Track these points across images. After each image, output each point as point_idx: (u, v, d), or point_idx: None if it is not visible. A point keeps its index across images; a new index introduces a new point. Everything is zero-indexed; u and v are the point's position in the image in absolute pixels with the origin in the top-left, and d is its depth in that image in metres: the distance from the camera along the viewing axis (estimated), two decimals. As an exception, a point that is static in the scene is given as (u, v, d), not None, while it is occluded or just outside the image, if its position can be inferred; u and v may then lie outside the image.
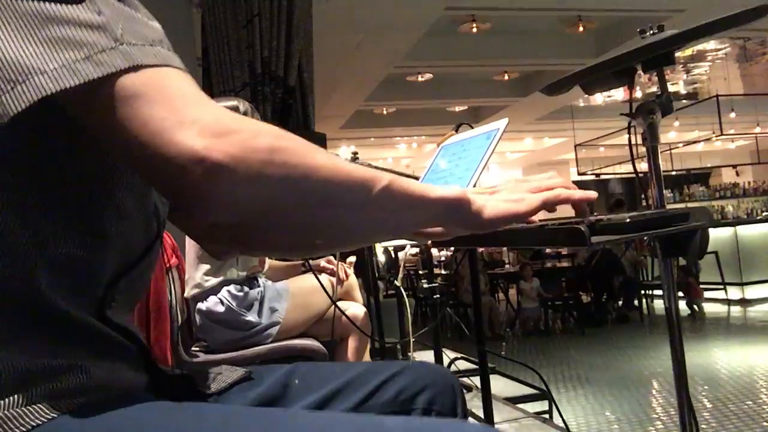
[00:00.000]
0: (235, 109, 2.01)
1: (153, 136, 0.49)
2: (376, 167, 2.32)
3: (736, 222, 8.58)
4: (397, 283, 2.16)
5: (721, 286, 7.73)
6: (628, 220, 0.78)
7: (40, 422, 0.53)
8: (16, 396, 0.53)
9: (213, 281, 1.95)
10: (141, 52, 0.51)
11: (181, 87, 0.52)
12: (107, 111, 0.50)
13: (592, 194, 0.73)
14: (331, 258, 2.20)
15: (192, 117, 0.50)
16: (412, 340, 2.05)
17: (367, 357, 2.22)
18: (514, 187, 0.73)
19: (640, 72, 1.09)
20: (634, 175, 1.21)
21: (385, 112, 10.54)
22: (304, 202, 0.54)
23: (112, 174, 0.60)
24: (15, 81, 0.48)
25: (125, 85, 0.50)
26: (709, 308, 7.33)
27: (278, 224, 0.55)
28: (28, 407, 0.53)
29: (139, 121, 0.49)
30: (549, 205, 0.71)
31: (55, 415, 0.54)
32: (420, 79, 8.49)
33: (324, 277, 2.12)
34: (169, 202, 0.70)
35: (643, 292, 7.47)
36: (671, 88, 9.97)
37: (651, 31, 1.04)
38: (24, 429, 0.52)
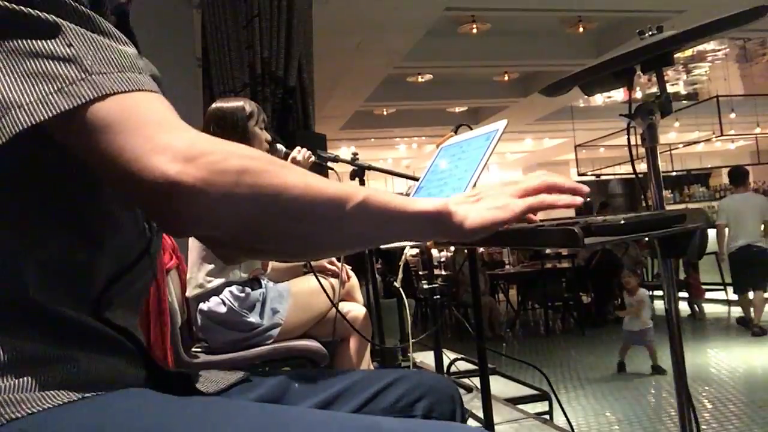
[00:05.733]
0: (242, 109, 2.02)
1: (128, 164, 0.51)
2: (377, 168, 2.33)
3: (737, 222, 8.55)
4: (397, 284, 2.15)
5: (721, 286, 7.72)
6: (622, 221, 0.78)
7: (34, 411, 0.53)
8: (11, 382, 0.54)
9: (216, 282, 1.94)
10: (110, 80, 0.53)
11: (153, 112, 0.54)
12: (84, 138, 0.52)
13: (578, 200, 0.71)
14: (334, 259, 2.20)
15: (164, 143, 0.52)
16: (412, 342, 2.05)
17: (367, 357, 2.22)
18: (499, 191, 0.72)
19: (639, 72, 1.09)
20: (634, 176, 1.21)
21: (385, 112, 10.53)
22: (277, 219, 0.57)
23: (101, 183, 0.61)
24: None
25: (98, 114, 0.52)
26: (709, 308, 7.33)
27: (260, 236, 0.58)
28: (23, 394, 0.54)
29: (114, 149, 0.51)
30: (533, 211, 0.71)
31: (50, 405, 0.54)
32: (420, 79, 8.48)
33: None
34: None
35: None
36: (671, 89, 9.97)
37: (650, 32, 1.04)
38: (17, 416, 0.53)
